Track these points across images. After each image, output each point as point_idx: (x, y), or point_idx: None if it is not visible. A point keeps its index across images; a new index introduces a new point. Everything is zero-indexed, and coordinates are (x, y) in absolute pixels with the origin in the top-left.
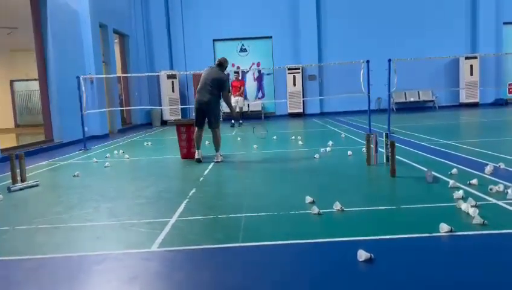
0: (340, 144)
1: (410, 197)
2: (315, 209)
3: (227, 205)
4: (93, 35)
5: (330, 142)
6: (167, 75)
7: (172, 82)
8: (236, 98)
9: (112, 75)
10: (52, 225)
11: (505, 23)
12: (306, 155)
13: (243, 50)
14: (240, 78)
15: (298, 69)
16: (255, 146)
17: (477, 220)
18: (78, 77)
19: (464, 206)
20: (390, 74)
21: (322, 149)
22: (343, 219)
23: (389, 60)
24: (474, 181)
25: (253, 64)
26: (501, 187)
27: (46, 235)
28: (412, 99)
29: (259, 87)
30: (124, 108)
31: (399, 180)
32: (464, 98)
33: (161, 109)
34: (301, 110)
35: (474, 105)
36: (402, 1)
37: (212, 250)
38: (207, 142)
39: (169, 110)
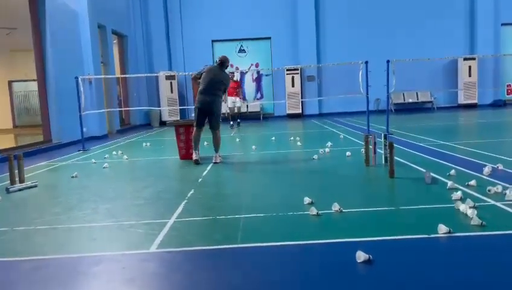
0: (338, 145)
1: (409, 198)
2: (313, 210)
3: (225, 206)
4: (91, 36)
5: (329, 143)
6: (166, 75)
7: (171, 83)
8: (233, 98)
9: (110, 76)
10: (50, 226)
11: (503, 24)
12: (305, 156)
13: (241, 51)
14: (235, 78)
15: (297, 69)
16: (253, 147)
17: (476, 221)
18: (76, 78)
19: (462, 207)
20: (388, 74)
21: (321, 150)
22: (341, 220)
23: (388, 61)
24: (473, 182)
25: (252, 65)
26: (499, 188)
27: (44, 236)
28: (410, 100)
29: (258, 88)
30: (122, 109)
31: (397, 181)
32: (462, 99)
33: (160, 109)
34: (300, 111)
35: (472, 106)
36: (400, 2)
37: (211, 251)
38: (206, 142)
39: (168, 111)
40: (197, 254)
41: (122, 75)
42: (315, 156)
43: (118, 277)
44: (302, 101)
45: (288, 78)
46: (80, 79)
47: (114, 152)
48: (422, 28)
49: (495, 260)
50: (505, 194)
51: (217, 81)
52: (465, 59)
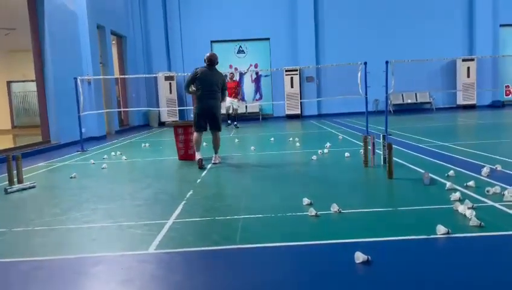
0: (337, 146)
1: (408, 199)
2: (312, 211)
3: (224, 206)
4: (90, 37)
5: (328, 144)
6: (165, 76)
7: (170, 83)
8: (231, 99)
9: (109, 76)
10: (49, 227)
11: (501, 25)
12: (303, 157)
13: (240, 51)
14: (234, 78)
15: (296, 70)
16: (252, 148)
17: (474, 222)
18: (75, 78)
19: (460, 208)
20: (387, 75)
21: (320, 151)
22: (340, 221)
23: (387, 62)
24: (471, 183)
25: (250, 65)
26: (498, 189)
27: (43, 237)
28: (409, 101)
29: (257, 89)
30: (121, 109)
31: (396, 182)
32: (461, 100)
33: (159, 110)
34: (299, 112)
35: (471, 107)
36: (399, 4)
37: (210, 252)
38: (205, 143)
39: (167, 112)
40: (195, 255)
41: (121, 76)
42: (314, 157)
43: (116, 278)
44: (301, 102)
45: (287, 79)
46: (78, 79)
47: (113, 153)
48: (421, 29)
49: (494, 260)
50: (504, 195)
51: (213, 84)
52: (463, 60)
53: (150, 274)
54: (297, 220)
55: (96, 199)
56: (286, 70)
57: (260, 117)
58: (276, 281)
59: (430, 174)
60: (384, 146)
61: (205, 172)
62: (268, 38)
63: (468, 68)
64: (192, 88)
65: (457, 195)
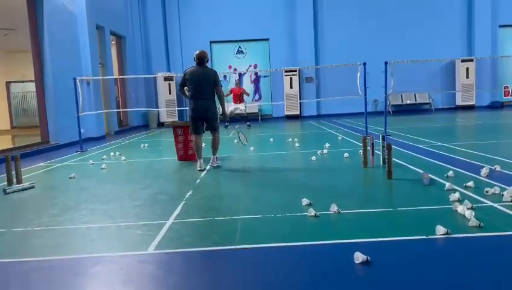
0: (336, 146)
1: (407, 199)
2: (312, 212)
3: (223, 207)
4: (90, 37)
5: (327, 145)
6: (164, 77)
7: (169, 84)
8: (237, 105)
9: (108, 77)
10: (48, 227)
11: (500, 26)
12: (303, 157)
13: (240, 52)
14: (239, 84)
15: (295, 71)
16: (251, 148)
17: (474, 222)
18: (74, 79)
19: (460, 208)
20: (386, 76)
21: (319, 151)
22: (339, 221)
23: (386, 63)
24: (470, 183)
25: (250, 66)
26: (497, 189)
27: (42, 237)
28: (408, 101)
29: (256, 90)
30: (120, 110)
31: (395, 183)
32: (460, 101)
33: (158, 110)
34: (298, 112)
35: (470, 107)
36: (398, 4)
37: (209, 252)
38: (204, 144)
39: (166, 112)
40: (195, 255)
41: (120, 76)
42: (313, 158)
43: (115, 278)
44: (300, 103)
45: (286, 80)
46: (78, 80)
47: (112, 153)
48: (420, 30)
49: (493, 261)
50: (503, 195)
51: (203, 82)
52: (462, 61)
53: (149, 274)
54: (297, 221)
55: (95, 200)
56: (285, 71)
57: (259, 118)
58: (275, 282)
59: (430, 175)
60: (383, 147)
61: (204, 173)
62: (267, 39)
63: (467, 69)
64: (185, 90)
65: (456, 195)
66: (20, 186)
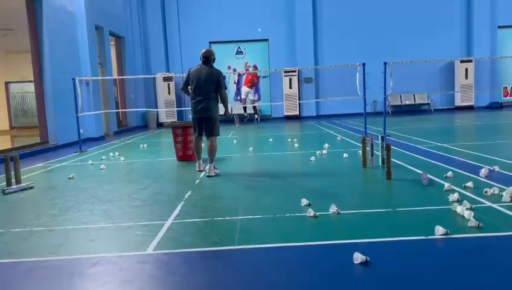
0: (336, 147)
1: (406, 199)
2: (311, 212)
3: (223, 207)
4: (89, 37)
5: (326, 145)
6: (163, 77)
7: (169, 84)
8: (247, 89)
9: (107, 77)
10: (47, 228)
11: (499, 26)
12: (302, 158)
13: (239, 52)
14: (257, 73)
15: (294, 71)
16: (251, 149)
17: (473, 222)
18: (73, 79)
19: (459, 209)
20: (386, 76)
21: (318, 152)
22: (339, 222)
23: (385, 63)
24: (470, 184)
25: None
26: (496, 190)
27: (41, 237)
28: (407, 102)
29: (256, 90)
30: (120, 110)
31: (395, 183)
32: (459, 101)
33: (157, 111)
34: (297, 113)
35: (469, 108)
36: (398, 5)
37: (208, 253)
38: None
39: (166, 113)
40: (194, 256)
41: (120, 77)
42: (312, 158)
43: (115, 279)
44: (299, 103)
45: (285, 80)
46: (77, 80)
47: (111, 153)
48: (420, 31)
49: (492, 261)
50: (502, 195)
51: (206, 81)
52: (462, 61)
53: (148, 275)
54: (296, 221)
55: (94, 200)
56: (285, 71)
57: (259, 118)
58: (274, 282)
59: (429, 175)
60: (382, 147)
61: (203, 173)
62: (267, 40)
63: (466, 69)
64: (188, 89)
65: (455, 196)
66: (19, 186)
